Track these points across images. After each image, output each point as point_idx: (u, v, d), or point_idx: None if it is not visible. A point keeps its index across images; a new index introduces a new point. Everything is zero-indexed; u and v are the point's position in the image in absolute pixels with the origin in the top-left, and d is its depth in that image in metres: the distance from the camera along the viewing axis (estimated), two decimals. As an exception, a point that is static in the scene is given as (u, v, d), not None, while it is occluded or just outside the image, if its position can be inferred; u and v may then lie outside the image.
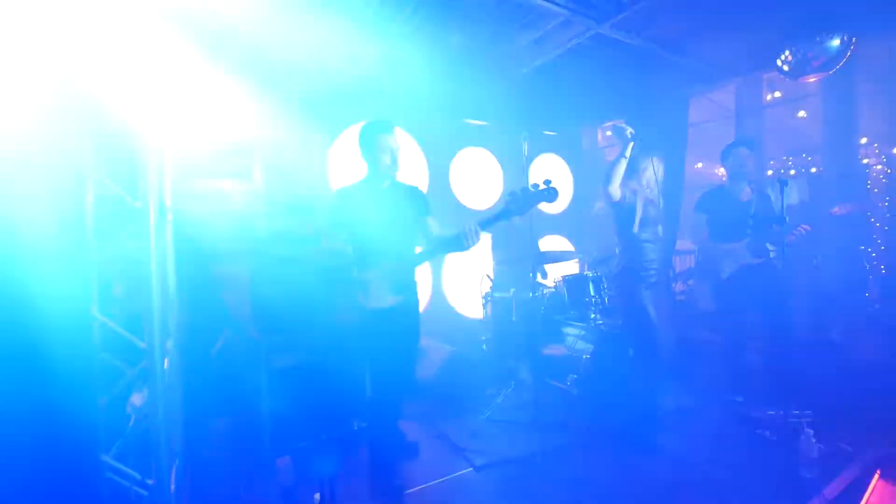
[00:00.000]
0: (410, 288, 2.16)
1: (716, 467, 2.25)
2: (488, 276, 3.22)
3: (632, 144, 2.32)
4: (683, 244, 4.60)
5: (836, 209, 2.81)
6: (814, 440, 2.15)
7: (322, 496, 1.70)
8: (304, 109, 3.27)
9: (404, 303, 2.10)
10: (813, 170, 5.03)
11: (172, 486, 1.63)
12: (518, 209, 1.89)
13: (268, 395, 2.43)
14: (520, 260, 3.34)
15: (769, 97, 4.77)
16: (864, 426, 2.60)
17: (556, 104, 4.62)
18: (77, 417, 1.28)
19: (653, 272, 2.45)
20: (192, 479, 2.06)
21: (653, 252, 2.44)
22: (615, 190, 2.35)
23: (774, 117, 4.82)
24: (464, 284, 4.17)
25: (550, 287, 3.28)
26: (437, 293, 4.13)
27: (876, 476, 2.51)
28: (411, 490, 2.12)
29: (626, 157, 2.32)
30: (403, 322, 2.13)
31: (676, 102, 4.31)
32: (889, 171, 4.59)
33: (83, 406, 1.18)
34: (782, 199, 2.26)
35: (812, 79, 2.80)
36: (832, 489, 2.08)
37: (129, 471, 1.54)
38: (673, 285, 4.81)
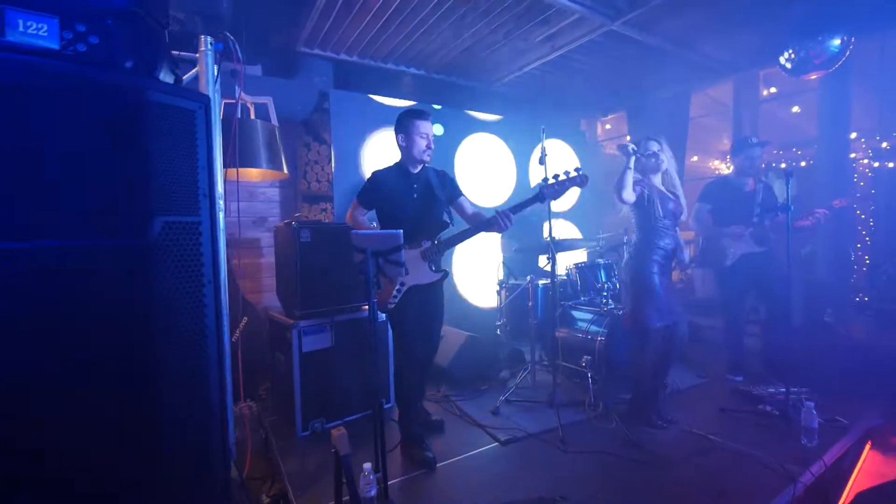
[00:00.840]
0: (443, 268, 2.32)
1: (722, 437, 2.42)
2: (504, 265, 3.34)
3: (634, 158, 2.41)
4: (684, 234, 4.78)
5: (836, 202, 2.99)
6: (814, 413, 2.32)
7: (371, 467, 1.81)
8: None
9: (439, 282, 2.30)
10: (803, 164, 5.24)
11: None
12: (553, 194, 2.09)
13: (298, 377, 2.52)
14: (533, 249, 3.47)
15: (766, 93, 4.95)
16: (856, 401, 2.80)
17: (562, 97, 4.75)
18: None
19: (666, 261, 2.57)
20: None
21: (670, 242, 2.56)
22: (629, 196, 2.44)
23: (769, 112, 5.01)
24: (474, 276, 4.28)
25: (563, 275, 3.42)
26: (448, 283, 4.24)
27: (868, 446, 2.73)
28: (443, 463, 2.24)
29: (630, 169, 2.41)
30: (436, 300, 2.35)
31: (678, 97, 4.46)
32: (876, 164, 4.81)
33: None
34: (788, 190, 2.42)
35: (814, 76, 2.96)
36: (830, 456, 2.26)
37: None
38: (673, 274, 4.99)
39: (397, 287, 2.16)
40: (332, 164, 3.56)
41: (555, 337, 3.00)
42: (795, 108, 5.09)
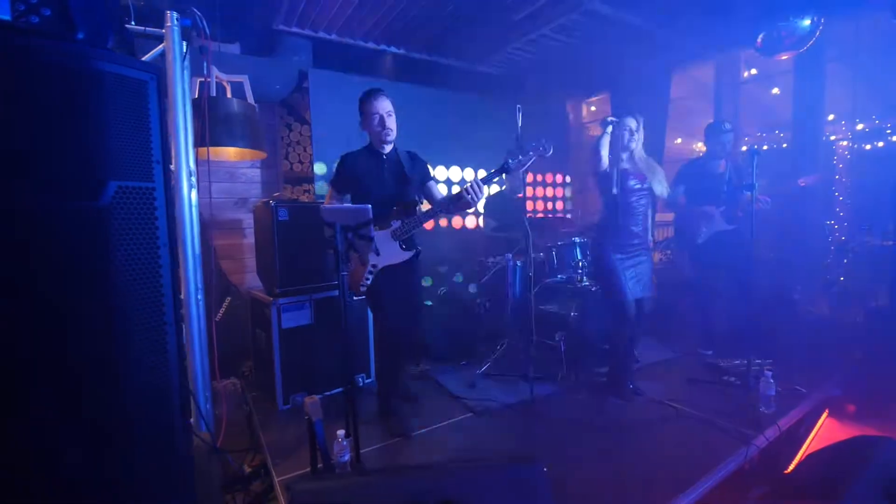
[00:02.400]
0: (415, 246, 2.35)
1: (685, 406, 2.54)
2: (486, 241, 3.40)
3: (611, 127, 2.49)
4: (663, 216, 4.87)
5: (801, 181, 3.08)
6: (771, 381, 2.44)
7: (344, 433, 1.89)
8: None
9: (411, 260, 2.31)
10: (784, 145, 5.32)
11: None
12: (518, 165, 2.13)
13: (278, 353, 2.58)
14: (512, 227, 3.53)
15: (746, 74, 4.99)
16: (816, 372, 2.93)
17: (546, 79, 4.75)
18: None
19: (635, 241, 2.63)
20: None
21: (635, 221, 2.61)
22: (605, 162, 2.51)
23: (750, 93, 5.06)
24: (460, 254, 4.35)
25: (541, 253, 3.49)
26: (432, 261, 4.30)
27: (825, 414, 2.88)
28: (418, 432, 2.33)
29: (607, 134, 2.49)
30: (411, 278, 2.36)
31: (659, 77, 4.49)
32: (854, 146, 4.90)
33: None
34: (752, 168, 2.49)
35: (784, 56, 3.01)
36: (785, 421, 2.39)
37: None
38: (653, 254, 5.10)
39: (369, 269, 2.19)
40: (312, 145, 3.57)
41: (531, 313, 3.08)
42: (775, 90, 5.14)
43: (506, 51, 3.90)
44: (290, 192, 4.05)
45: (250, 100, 2.79)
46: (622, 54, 4.14)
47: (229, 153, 2.94)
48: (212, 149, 2.79)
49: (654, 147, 4.76)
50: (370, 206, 1.77)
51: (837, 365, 3.06)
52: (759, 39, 2.87)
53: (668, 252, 5.06)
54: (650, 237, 2.77)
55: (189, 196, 1.60)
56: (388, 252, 2.23)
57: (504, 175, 2.16)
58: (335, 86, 3.62)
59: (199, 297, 1.89)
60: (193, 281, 1.62)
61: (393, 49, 3.82)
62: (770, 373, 2.47)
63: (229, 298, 3.66)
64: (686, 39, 3.85)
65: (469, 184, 2.09)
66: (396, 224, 2.24)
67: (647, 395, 2.69)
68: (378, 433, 2.32)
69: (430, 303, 3.65)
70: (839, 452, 2.01)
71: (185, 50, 1.77)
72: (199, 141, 2.61)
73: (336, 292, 2.76)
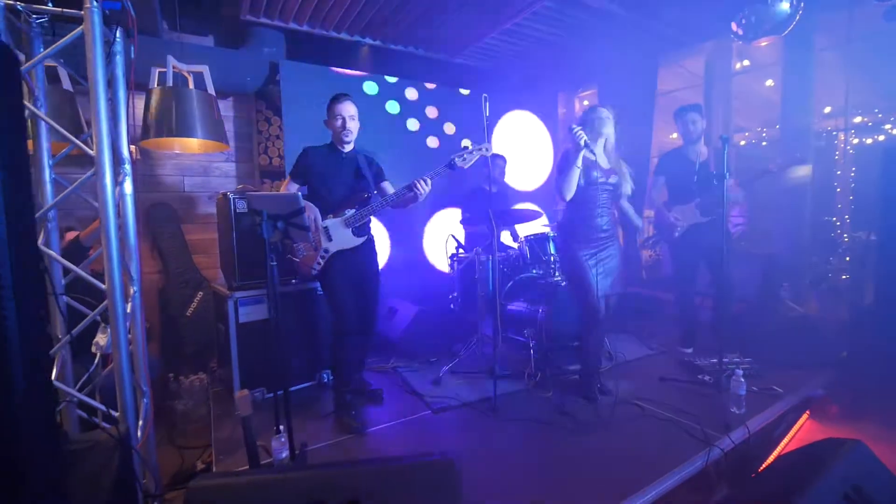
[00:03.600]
0: (367, 233, 2.45)
1: (653, 405, 2.44)
2: (453, 237, 3.33)
3: (583, 153, 2.30)
4: (650, 211, 4.75)
5: (771, 165, 2.96)
6: (742, 381, 2.33)
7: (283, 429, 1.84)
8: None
9: (364, 245, 2.41)
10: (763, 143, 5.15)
11: (140, 421, 1.76)
12: (462, 163, 2.28)
13: (235, 347, 2.54)
14: (484, 221, 3.44)
15: (738, 65, 4.84)
16: (799, 371, 2.82)
17: (532, 72, 4.66)
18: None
19: (602, 234, 2.52)
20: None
21: (600, 213, 2.51)
22: (569, 195, 2.37)
23: (743, 85, 4.90)
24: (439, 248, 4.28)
25: (515, 247, 3.41)
26: (419, 251, 4.25)
27: (805, 416, 2.76)
28: (373, 429, 2.27)
29: (578, 167, 2.31)
30: (366, 266, 2.45)
31: (645, 69, 4.37)
32: (855, 141, 4.73)
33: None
34: (724, 156, 2.38)
35: (764, 42, 2.89)
36: (757, 423, 2.28)
37: (96, 403, 1.66)
38: (641, 252, 4.99)
39: (321, 253, 2.25)
40: (283, 138, 3.52)
41: (501, 309, 3.01)
42: (769, 82, 4.98)
43: (483, 42, 3.82)
44: (270, 187, 4.00)
45: (211, 90, 2.74)
46: (606, 46, 4.04)
47: (193, 145, 2.91)
48: (173, 140, 2.77)
49: (642, 140, 4.65)
50: (300, 194, 1.71)
51: (821, 364, 2.94)
52: (735, 25, 2.76)
53: (658, 250, 4.95)
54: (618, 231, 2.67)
55: (111, 186, 1.55)
56: (340, 238, 2.32)
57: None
58: (308, 78, 3.57)
59: (135, 289, 1.85)
60: (118, 273, 1.57)
61: (368, 40, 3.76)
62: (741, 372, 2.37)
63: (201, 293, 3.63)
64: (670, 29, 3.74)
65: (420, 178, 2.26)
66: (350, 212, 2.33)
67: (615, 393, 2.59)
68: (332, 428, 2.27)
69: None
70: (806, 456, 1.90)
71: (116, 35, 1.73)
72: (151, 132, 2.58)
73: (298, 286, 2.76)
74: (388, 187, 2.52)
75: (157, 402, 2.16)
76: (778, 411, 2.46)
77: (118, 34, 1.74)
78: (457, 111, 4.36)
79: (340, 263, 2.33)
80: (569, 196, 2.37)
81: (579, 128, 2.31)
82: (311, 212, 2.36)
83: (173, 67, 2.60)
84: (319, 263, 2.26)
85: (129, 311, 1.73)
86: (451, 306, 3.46)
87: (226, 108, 3.70)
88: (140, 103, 2.79)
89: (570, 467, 1.92)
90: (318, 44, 3.71)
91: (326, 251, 2.29)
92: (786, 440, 2.55)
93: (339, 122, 2.36)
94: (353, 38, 3.69)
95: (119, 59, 1.77)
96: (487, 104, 2.80)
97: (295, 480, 1.21)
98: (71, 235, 2.69)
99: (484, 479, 1.81)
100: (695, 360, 2.97)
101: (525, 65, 4.53)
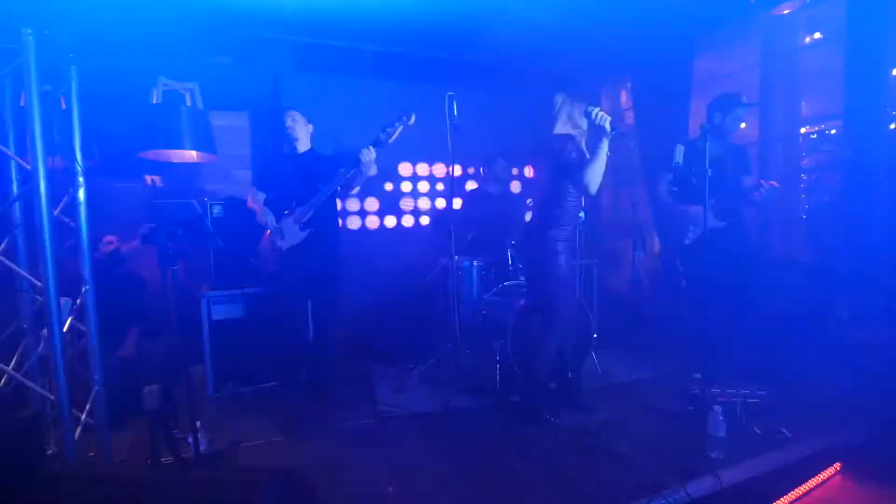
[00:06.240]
0: (318, 224, 2.44)
1: (618, 437, 2.13)
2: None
3: (607, 141, 2.06)
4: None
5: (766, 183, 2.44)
6: (721, 419, 1.94)
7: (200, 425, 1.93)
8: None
9: (312, 242, 2.42)
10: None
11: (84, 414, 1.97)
12: (386, 136, 2.33)
13: (208, 343, 2.72)
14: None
15: (808, 39, 4.03)
16: (835, 411, 2.29)
17: (548, 64, 4.34)
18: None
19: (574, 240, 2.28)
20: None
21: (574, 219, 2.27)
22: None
23: (813, 63, 4.08)
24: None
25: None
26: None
27: (834, 469, 2.22)
28: (309, 432, 2.29)
29: (606, 152, 2.08)
30: (317, 264, 2.46)
31: (678, 54, 3.85)
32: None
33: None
34: (706, 150, 2.00)
35: (787, 10, 2.35)
36: (735, 473, 1.88)
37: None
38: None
39: (276, 251, 2.42)
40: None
41: (474, 317, 2.87)
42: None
43: (486, 35, 3.64)
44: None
45: (200, 106, 2.97)
46: (636, 31, 3.63)
47: (192, 155, 3.17)
48: (169, 151, 3.05)
49: (678, 131, 4.09)
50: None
51: (873, 405, 2.34)
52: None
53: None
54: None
55: (45, 197, 1.74)
56: (289, 234, 2.42)
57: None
58: (311, 88, 3.70)
59: (88, 287, 2.06)
60: (52, 275, 1.77)
61: (369, 46, 3.79)
62: (720, 408, 1.97)
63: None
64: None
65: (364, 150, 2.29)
66: (298, 208, 2.42)
67: (585, 417, 2.32)
68: (270, 430, 2.32)
69: None
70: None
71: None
72: (145, 145, 2.87)
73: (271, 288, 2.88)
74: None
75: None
76: (776, 461, 2.01)
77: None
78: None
79: (292, 263, 2.41)
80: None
81: (598, 109, 2.07)
82: (264, 216, 2.50)
83: (163, 85, 2.86)
84: (275, 263, 2.42)
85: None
86: (435, 312, 3.37)
87: (242, 119, 3.99)
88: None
89: (473, 495, 1.75)
90: (323, 53, 3.83)
91: (280, 250, 2.40)
92: (788, 499, 2.05)
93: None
94: (350, 45, 3.75)
95: (73, 85, 2.00)
96: (454, 102, 2.70)
97: (116, 482, 1.25)
98: (109, 239, 2.99)
99: (369, 494, 1.73)
100: (692, 389, 2.54)
101: (540, 59, 4.23)
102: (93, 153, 2.40)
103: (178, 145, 2.84)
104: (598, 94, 5.48)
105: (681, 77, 3.94)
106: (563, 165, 2.14)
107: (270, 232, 2.49)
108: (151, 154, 2.97)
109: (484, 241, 3.35)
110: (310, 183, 2.44)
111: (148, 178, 3.18)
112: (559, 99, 2.16)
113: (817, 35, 4.02)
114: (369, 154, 2.28)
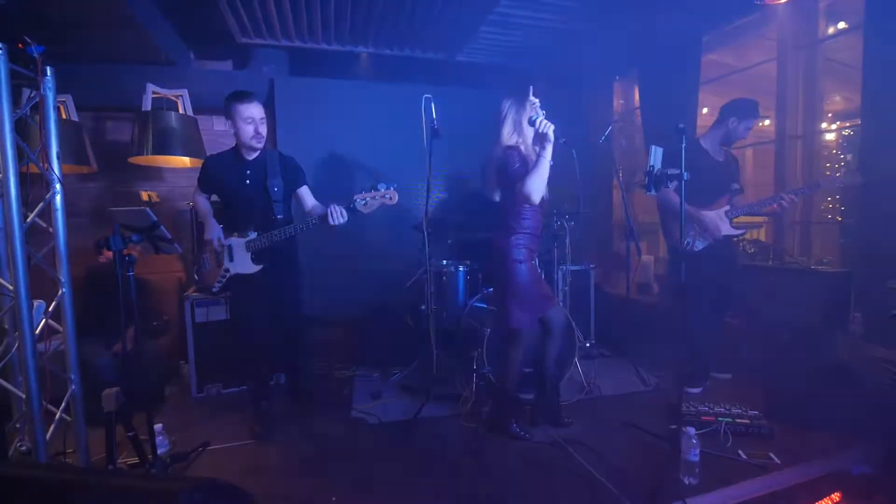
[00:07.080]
0: (276, 258, 2.27)
1: (587, 457, 2.02)
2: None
3: (549, 148, 1.96)
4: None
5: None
6: (694, 441, 1.80)
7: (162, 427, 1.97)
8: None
9: (268, 272, 2.24)
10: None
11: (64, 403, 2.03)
12: (363, 206, 2.13)
13: (191, 344, 2.78)
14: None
15: (832, 29, 3.72)
16: (839, 436, 2.10)
17: (560, 64, 4.21)
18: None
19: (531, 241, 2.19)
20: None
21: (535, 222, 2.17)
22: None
23: (834, 55, 3.77)
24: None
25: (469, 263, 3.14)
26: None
27: (831, 498, 2.03)
28: (279, 436, 2.29)
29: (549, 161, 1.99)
30: (269, 294, 2.29)
31: (685, 47, 3.65)
32: None
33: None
34: (682, 150, 1.86)
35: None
36: (706, 500, 1.74)
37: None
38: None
39: (221, 273, 2.24)
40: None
41: (454, 326, 2.81)
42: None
43: (479, 35, 3.56)
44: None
45: (189, 113, 3.04)
46: (643, 24, 3.48)
47: (185, 161, 3.25)
48: (158, 157, 3.14)
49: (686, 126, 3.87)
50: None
51: (881, 428, 2.12)
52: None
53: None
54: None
55: (15, 203, 1.79)
56: (239, 261, 2.23)
57: None
58: (302, 92, 3.72)
59: (64, 290, 2.13)
60: (23, 277, 1.83)
61: (361, 49, 3.79)
62: (693, 430, 1.83)
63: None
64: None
65: (335, 209, 2.10)
66: (252, 235, 2.20)
67: (548, 435, 2.21)
68: (240, 433, 2.33)
69: None
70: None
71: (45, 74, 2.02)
72: (134, 151, 2.96)
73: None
74: (306, 195, 2.38)
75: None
76: (759, 488, 1.84)
77: (48, 73, 2.04)
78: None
79: (243, 288, 2.24)
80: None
81: (542, 116, 1.97)
82: (212, 232, 2.26)
83: (153, 93, 2.95)
84: (220, 282, 2.23)
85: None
86: (423, 317, 3.32)
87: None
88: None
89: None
90: (317, 57, 3.85)
91: (227, 271, 2.21)
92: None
93: (251, 128, 2.15)
94: (343, 48, 3.75)
95: (50, 95, 2.08)
96: (433, 104, 2.64)
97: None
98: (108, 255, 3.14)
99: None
100: (675, 404, 2.37)
101: (541, 58, 4.12)
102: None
103: (169, 151, 2.92)
104: (610, 92, 5.30)
105: (689, 70, 3.72)
106: (509, 176, 2.06)
107: (214, 246, 2.26)
108: (141, 160, 3.07)
109: (472, 245, 3.29)
110: (266, 198, 2.23)
111: (144, 194, 3.28)
112: (506, 105, 2.08)
113: (842, 25, 3.73)
114: (339, 218, 2.09)
